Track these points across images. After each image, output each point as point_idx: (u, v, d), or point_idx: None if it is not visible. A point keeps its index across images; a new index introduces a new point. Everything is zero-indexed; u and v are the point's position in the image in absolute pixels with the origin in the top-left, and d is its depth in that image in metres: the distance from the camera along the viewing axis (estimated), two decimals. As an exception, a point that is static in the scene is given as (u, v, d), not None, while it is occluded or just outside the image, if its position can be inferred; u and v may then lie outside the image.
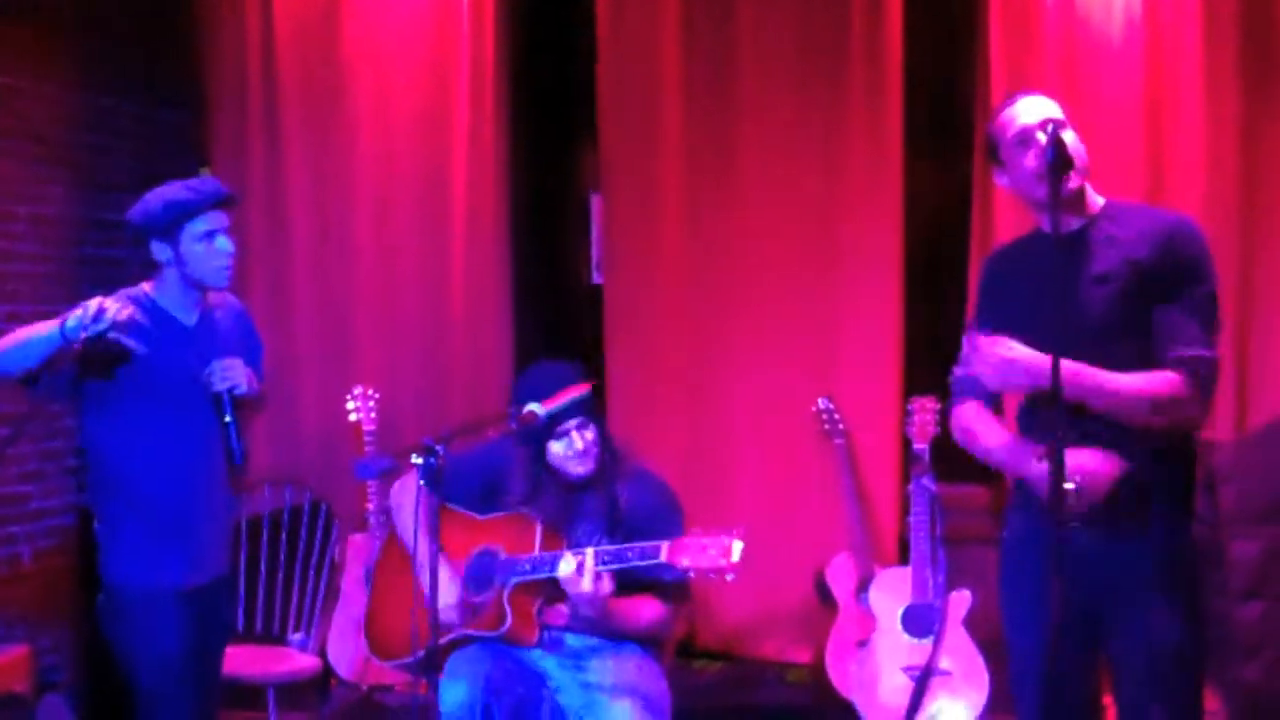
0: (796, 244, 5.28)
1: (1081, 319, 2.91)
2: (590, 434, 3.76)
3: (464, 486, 3.85)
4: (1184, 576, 2.93)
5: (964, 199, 5.11)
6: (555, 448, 3.76)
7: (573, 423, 3.74)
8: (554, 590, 3.66)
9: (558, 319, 5.82)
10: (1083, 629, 2.93)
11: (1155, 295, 2.92)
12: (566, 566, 3.56)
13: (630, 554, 3.55)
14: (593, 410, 3.80)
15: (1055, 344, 2.73)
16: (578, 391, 3.76)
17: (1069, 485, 2.67)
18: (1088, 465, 2.85)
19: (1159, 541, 2.93)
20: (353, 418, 5.12)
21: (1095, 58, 4.94)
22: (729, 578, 3.41)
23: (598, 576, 3.53)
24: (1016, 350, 2.91)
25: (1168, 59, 4.93)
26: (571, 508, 3.77)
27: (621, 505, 3.74)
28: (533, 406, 3.53)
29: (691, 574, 3.45)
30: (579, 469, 3.76)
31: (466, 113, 5.43)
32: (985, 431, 3.12)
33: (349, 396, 5.15)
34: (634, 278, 5.36)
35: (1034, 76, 4.82)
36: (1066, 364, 2.78)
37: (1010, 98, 3.07)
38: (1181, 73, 4.92)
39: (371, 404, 5.11)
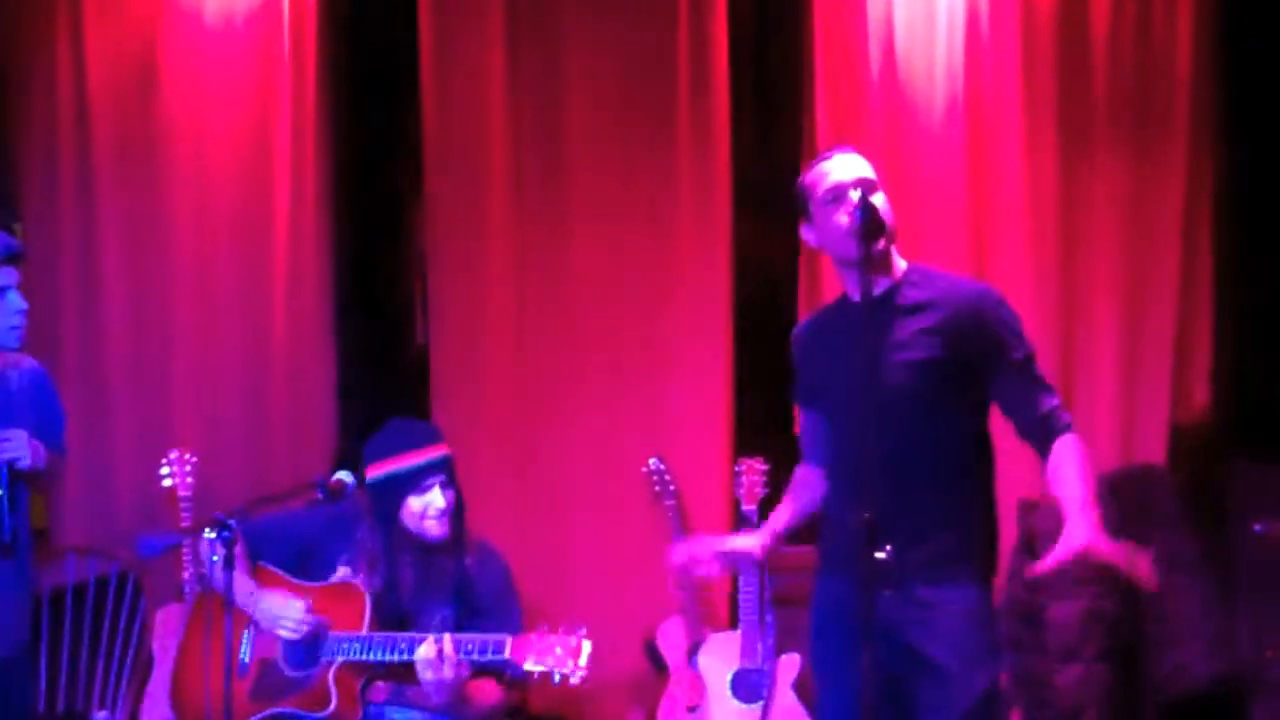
0: (626, 304, 5.29)
1: (884, 387, 2.89)
2: (449, 495, 3.72)
3: (277, 549, 3.80)
4: (984, 641, 2.96)
5: (793, 261, 5.18)
6: (414, 504, 3.69)
7: (437, 479, 3.69)
8: (378, 668, 3.61)
9: (385, 382, 5.72)
10: (889, 691, 2.93)
11: (962, 366, 2.92)
12: (428, 651, 3.48)
13: (471, 646, 3.50)
14: (450, 469, 3.75)
15: (860, 412, 2.74)
16: (442, 449, 3.73)
17: (880, 555, 2.66)
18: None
19: (958, 607, 2.95)
20: (167, 483, 4.97)
21: (919, 131, 5.07)
22: (576, 680, 3.37)
23: (456, 663, 3.48)
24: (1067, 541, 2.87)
25: (989, 132, 5.07)
26: (420, 574, 3.72)
27: (470, 577, 3.71)
28: (341, 475, 3.47)
29: (535, 675, 3.41)
30: (437, 530, 3.69)
31: (288, 169, 5.32)
32: (782, 504, 3.20)
33: (164, 461, 5.01)
34: (461, 340, 5.30)
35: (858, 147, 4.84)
36: (1072, 510, 2.81)
37: (824, 153, 3.09)
38: (1003, 147, 5.06)
39: (188, 468, 4.98)
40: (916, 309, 2.97)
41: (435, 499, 3.70)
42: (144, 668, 4.84)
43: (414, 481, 3.69)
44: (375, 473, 3.75)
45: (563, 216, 5.27)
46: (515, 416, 5.29)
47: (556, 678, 3.35)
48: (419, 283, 5.49)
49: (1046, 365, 4.32)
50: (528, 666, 3.36)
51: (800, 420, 3.21)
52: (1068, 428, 2.94)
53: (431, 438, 3.77)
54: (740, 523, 4.71)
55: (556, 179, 5.26)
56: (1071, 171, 5.04)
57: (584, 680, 3.35)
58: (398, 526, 3.71)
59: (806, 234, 3.04)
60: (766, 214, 5.10)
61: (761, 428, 5.03)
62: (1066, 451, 2.90)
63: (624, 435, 5.22)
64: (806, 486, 3.21)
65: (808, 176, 3.02)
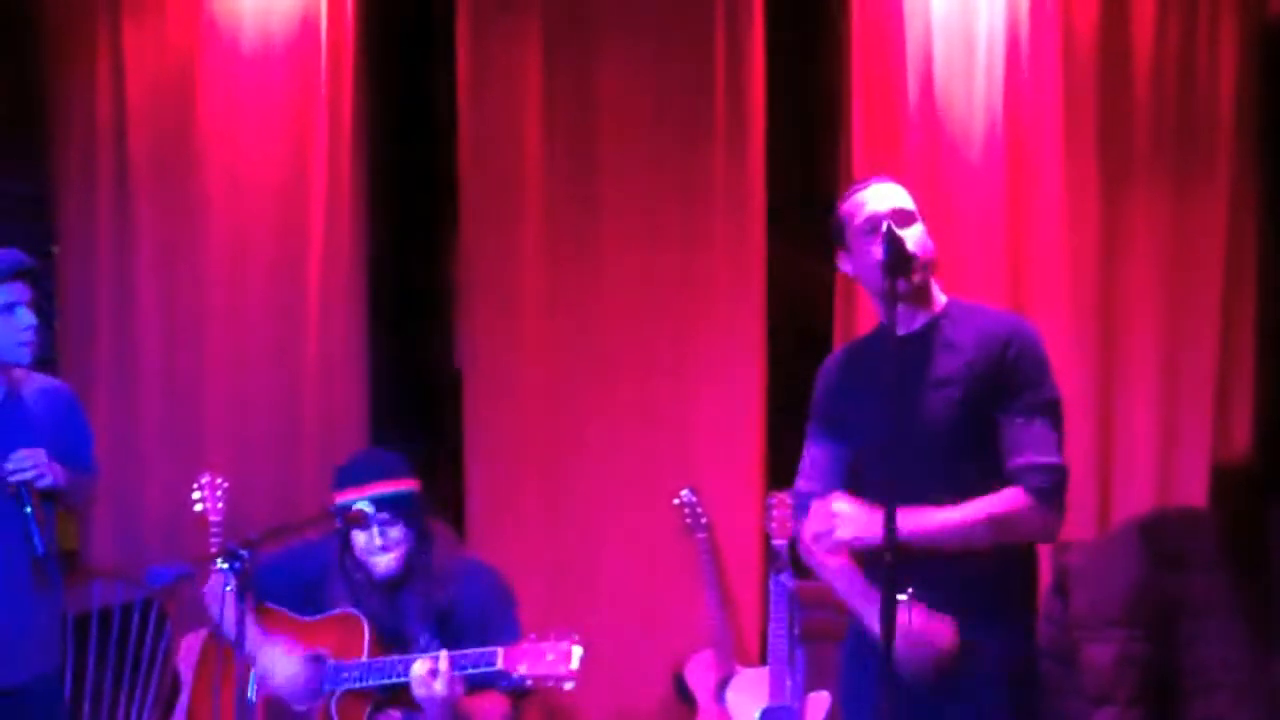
0: (658, 332, 5.22)
1: (921, 426, 2.83)
2: (397, 532, 3.65)
3: (283, 586, 3.77)
4: (1023, 688, 2.90)
5: (828, 288, 5.10)
6: (360, 539, 3.65)
7: (383, 515, 3.63)
8: (382, 695, 3.57)
9: (418, 407, 5.71)
10: None
11: (992, 403, 2.85)
12: (421, 668, 3.45)
13: (464, 660, 3.47)
14: (408, 509, 3.68)
15: (894, 451, 2.69)
16: (394, 486, 3.66)
17: (901, 597, 2.62)
18: (916, 635, 2.76)
19: (996, 653, 2.88)
20: (198, 508, 4.90)
21: (957, 162, 4.98)
22: (568, 686, 3.34)
23: (450, 680, 3.44)
24: (846, 511, 2.84)
25: (1028, 164, 4.97)
26: (393, 607, 3.67)
27: (448, 604, 3.65)
28: (362, 504, 3.51)
29: (529, 682, 3.38)
30: (383, 566, 3.65)
31: (324, 190, 5.26)
32: (823, 558, 3.03)
33: (195, 485, 4.92)
34: (494, 365, 5.24)
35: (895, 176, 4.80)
36: (902, 516, 2.69)
37: (862, 182, 3.04)
38: (1042, 179, 4.96)
39: (219, 494, 4.92)
40: (956, 345, 2.91)
41: (374, 536, 3.64)
42: (170, 695, 4.80)
43: (359, 516, 3.65)
44: (335, 503, 3.73)
45: (595, 243, 5.24)
46: (547, 443, 5.23)
47: (549, 683, 3.34)
48: (454, 307, 5.50)
49: (1082, 402, 4.71)
50: (521, 673, 3.34)
51: (811, 452, 3.10)
52: (1030, 490, 2.83)
53: (384, 472, 3.70)
54: (771, 558, 4.64)
55: (589, 205, 5.23)
56: (1112, 205, 4.95)
57: (574, 686, 3.35)
58: (354, 558, 3.70)
59: (843, 264, 3.00)
60: (801, 240, 5.06)
61: (794, 460, 4.69)
62: (995, 497, 2.81)
63: (655, 465, 5.15)
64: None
65: (845, 205, 2.98)
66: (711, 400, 5.15)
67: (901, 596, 2.58)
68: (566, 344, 5.24)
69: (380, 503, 3.61)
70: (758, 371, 5.14)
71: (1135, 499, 4.88)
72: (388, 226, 5.51)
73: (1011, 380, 2.85)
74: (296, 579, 3.77)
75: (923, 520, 2.77)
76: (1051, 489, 2.82)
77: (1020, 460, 2.83)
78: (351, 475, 3.68)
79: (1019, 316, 3.08)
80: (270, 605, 3.76)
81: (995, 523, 2.78)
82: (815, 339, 5.07)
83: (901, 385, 2.79)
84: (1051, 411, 2.86)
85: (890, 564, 2.54)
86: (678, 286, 5.17)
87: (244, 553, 3.16)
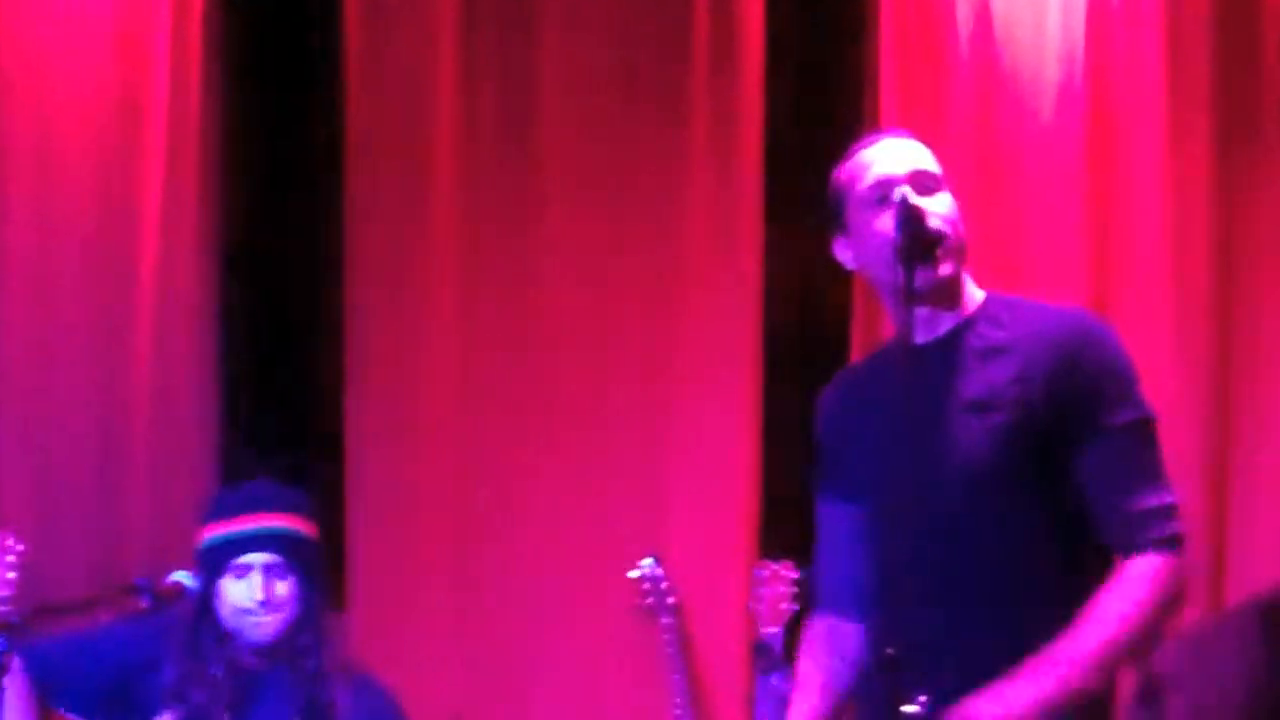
0: (615, 352, 4.74)
1: (950, 470, 2.57)
2: (285, 587, 3.31)
3: (80, 683, 3.40)
4: None
5: (845, 289, 4.58)
6: (232, 591, 3.30)
7: (261, 558, 3.30)
8: None
9: (288, 441, 5.09)
10: None
11: (1057, 432, 2.59)
12: None
13: None
14: (306, 559, 3.37)
15: (911, 500, 2.46)
16: (292, 523, 3.38)
17: (911, 709, 2.32)
18: None
19: None
20: (-21, 576, 4.45)
21: (1021, 120, 4.55)
22: None
23: None
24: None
25: (1118, 125, 4.51)
26: (247, 692, 3.34)
27: (324, 707, 3.33)
28: (180, 576, 3.14)
29: None
30: (260, 628, 3.30)
31: (162, 152, 4.74)
32: (804, 681, 2.77)
33: (-23, 546, 4.51)
34: (389, 393, 4.76)
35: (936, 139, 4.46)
36: (1024, 682, 2.45)
37: (868, 136, 2.80)
38: (1137, 146, 4.52)
39: (11, 557, 4.40)
40: (995, 354, 2.65)
41: (254, 586, 3.30)
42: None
43: (229, 557, 3.31)
44: (202, 540, 3.43)
45: (530, 224, 4.78)
46: (460, 493, 4.73)
47: None
48: (339, 309, 4.94)
49: (1187, 439, 4.33)
50: None
51: (820, 517, 2.83)
52: (1159, 545, 2.55)
53: (282, 504, 3.41)
54: (759, 652, 4.31)
55: (523, 173, 4.78)
56: (1231, 179, 4.45)
57: None
58: (213, 621, 3.33)
59: (841, 251, 2.76)
60: (809, 228, 4.16)
61: (791, 521, 4.38)
62: (1124, 583, 2.55)
63: (607, 527, 4.66)
64: (832, 647, 2.78)
65: (844, 169, 2.74)
66: (683, 434, 4.68)
67: (911, 708, 2.31)
68: (488, 359, 4.79)
69: (271, 540, 3.33)
70: (749, 394, 4.64)
71: (1255, 572, 4.41)
72: (249, 199, 5.00)
73: (1086, 399, 2.59)
74: (101, 674, 3.41)
75: (1068, 661, 2.47)
76: (1180, 536, 2.57)
77: (1131, 506, 2.56)
78: (234, 503, 3.42)
79: (1083, 311, 2.88)
80: (61, 712, 3.44)
81: (1151, 618, 2.52)
82: (829, 350, 4.62)
83: (919, 412, 2.53)
84: (1151, 432, 2.61)
85: (892, 660, 2.33)
86: (642, 293, 4.74)
87: (1, 639, 2.87)
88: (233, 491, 3.52)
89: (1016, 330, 2.67)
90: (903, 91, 4.53)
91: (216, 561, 3.33)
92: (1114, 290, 4.49)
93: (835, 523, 2.80)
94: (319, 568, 3.44)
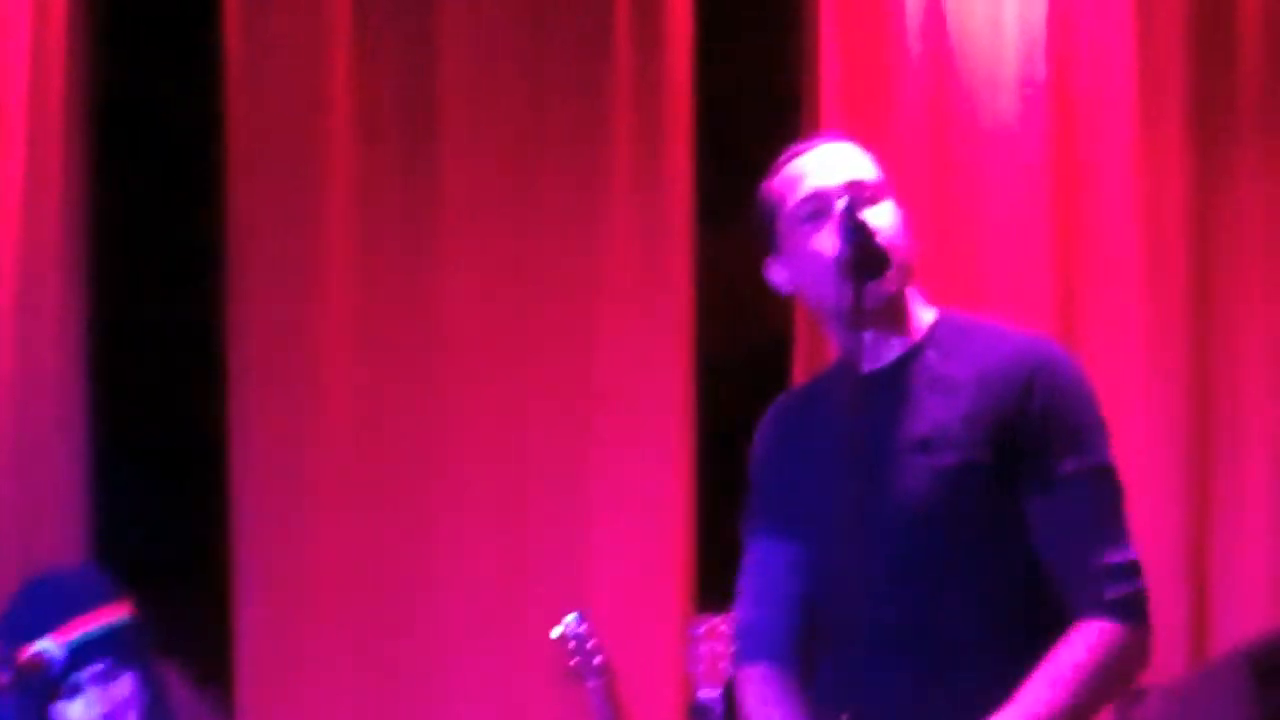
0: (529, 377, 4.50)
1: (893, 503, 2.47)
2: (125, 687, 3.18)
3: None
4: None
5: (787, 305, 4.25)
6: (71, 713, 3.16)
7: (92, 669, 3.14)
8: None
9: (162, 494, 4.86)
10: None
11: (1009, 475, 2.50)
12: None
13: None
14: (126, 645, 3.21)
15: (855, 545, 2.33)
16: (104, 618, 3.21)
17: None
18: None
19: None
20: None
21: (978, 118, 4.44)
22: None
23: None
24: None
25: (1084, 124, 4.42)
26: None
27: None
28: (45, 644, 3.06)
29: None
30: None
31: (22, 149, 4.55)
32: None
33: None
34: (276, 427, 4.53)
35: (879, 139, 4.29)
36: None
37: (799, 145, 2.70)
38: (1105, 147, 4.40)
39: None
40: (943, 386, 2.56)
41: (93, 701, 3.16)
42: None
43: (55, 681, 3.13)
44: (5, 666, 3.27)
45: (434, 239, 4.55)
46: (358, 544, 4.48)
47: None
48: (219, 338, 4.72)
49: (1163, 473, 4.38)
50: None
51: (751, 558, 2.70)
52: (1112, 609, 2.46)
53: (82, 600, 3.24)
54: (696, 716, 4.14)
55: (424, 182, 4.56)
56: (1207, 181, 4.35)
57: None
58: None
59: (775, 273, 2.66)
60: (747, 234, 3.75)
61: (730, 569, 3.83)
62: (1070, 648, 2.45)
63: (524, 580, 4.43)
64: (784, 696, 2.63)
65: (773, 183, 2.64)
66: (608, 472, 4.50)
67: None
68: (387, 392, 4.57)
69: (93, 648, 3.16)
70: (680, 424, 4.45)
71: (1241, 617, 4.34)
72: (119, 214, 4.77)
73: (1041, 438, 2.49)
74: None
75: None
76: (1137, 599, 2.50)
77: (1081, 563, 2.48)
78: (39, 617, 3.20)
79: (1042, 340, 2.70)
80: None
81: (1096, 688, 2.43)
82: (771, 371, 4.45)
83: (863, 449, 2.40)
84: (1108, 482, 2.52)
85: None
86: (559, 298, 4.52)
87: None
88: (31, 604, 3.29)
89: (966, 360, 2.56)
90: (846, 86, 4.36)
91: (41, 688, 3.15)
92: (1081, 304, 4.35)
93: (767, 563, 2.66)
94: (147, 644, 3.26)
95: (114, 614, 3.19)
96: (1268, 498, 4.41)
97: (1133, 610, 2.46)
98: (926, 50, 4.42)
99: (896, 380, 2.55)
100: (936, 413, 2.52)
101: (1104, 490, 2.49)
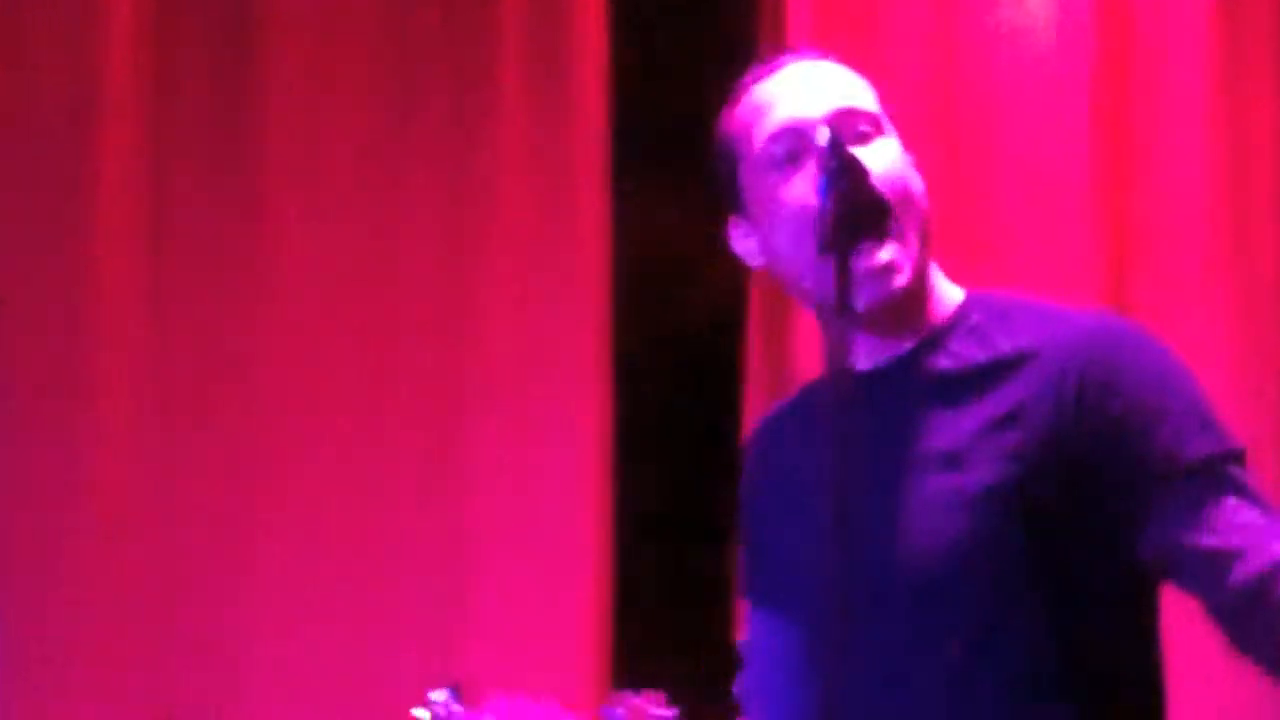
0: (391, 378, 3.82)
1: (910, 544, 2.09)
2: None
3: None
4: None
5: (737, 277, 3.73)
6: None
7: None
8: None
9: None
10: None
11: (1089, 495, 2.04)
12: None
13: None
14: None
15: (859, 606, 1.91)
16: None
17: None
18: None
19: None
20: None
21: (1001, 50, 3.83)
22: None
23: None
24: None
25: (1142, 64, 3.84)
26: None
27: None
28: None
29: None
30: None
31: None
32: None
33: None
34: (36, 499, 3.76)
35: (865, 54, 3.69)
36: None
37: (766, 62, 2.24)
38: (1170, 91, 3.81)
39: None
40: (977, 381, 2.10)
41: None
42: None
43: None
44: None
45: (255, 214, 3.85)
46: (154, 618, 3.76)
47: None
48: None
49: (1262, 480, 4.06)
50: None
51: (750, 631, 2.27)
52: None
53: None
54: None
55: (242, 142, 3.89)
56: None
57: None
58: None
59: (740, 239, 2.21)
60: (686, 183, 3.45)
61: (662, 629, 3.93)
62: None
63: (385, 647, 3.73)
64: None
65: (733, 116, 2.21)
66: (495, 502, 3.81)
67: None
68: (191, 405, 3.83)
69: None
70: (593, 436, 3.81)
71: None
72: None
73: (1132, 435, 2.04)
74: None
75: None
76: None
77: (1257, 560, 1.96)
78: None
79: (1108, 314, 2.51)
80: None
81: None
82: (712, 362, 3.90)
83: (866, 472, 1.96)
84: (1236, 465, 2.04)
85: None
86: (431, 276, 3.84)
87: None
88: None
89: (1010, 345, 2.18)
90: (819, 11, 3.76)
91: None
92: (1133, 273, 3.73)
93: (762, 633, 2.33)
94: None
95: None
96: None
97: None
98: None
99: (909, 378, 2.18)
100: (965, 420, 2.15)
101: (1236, 475, 2.10)
